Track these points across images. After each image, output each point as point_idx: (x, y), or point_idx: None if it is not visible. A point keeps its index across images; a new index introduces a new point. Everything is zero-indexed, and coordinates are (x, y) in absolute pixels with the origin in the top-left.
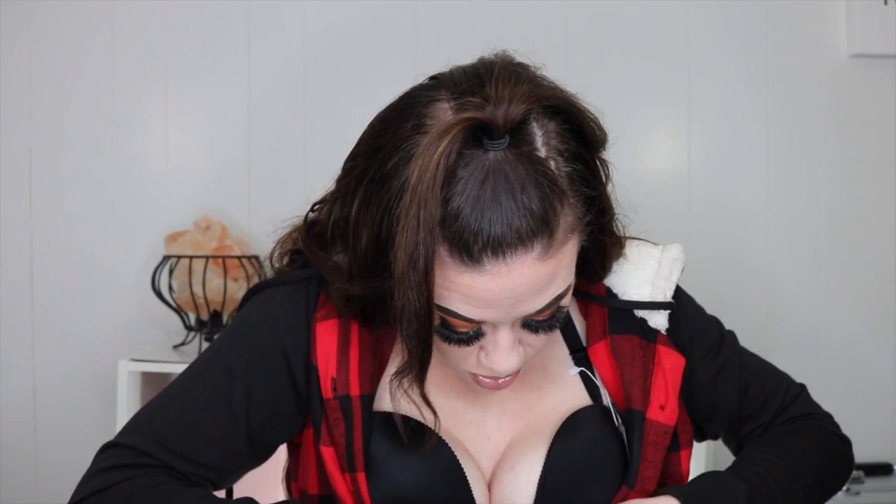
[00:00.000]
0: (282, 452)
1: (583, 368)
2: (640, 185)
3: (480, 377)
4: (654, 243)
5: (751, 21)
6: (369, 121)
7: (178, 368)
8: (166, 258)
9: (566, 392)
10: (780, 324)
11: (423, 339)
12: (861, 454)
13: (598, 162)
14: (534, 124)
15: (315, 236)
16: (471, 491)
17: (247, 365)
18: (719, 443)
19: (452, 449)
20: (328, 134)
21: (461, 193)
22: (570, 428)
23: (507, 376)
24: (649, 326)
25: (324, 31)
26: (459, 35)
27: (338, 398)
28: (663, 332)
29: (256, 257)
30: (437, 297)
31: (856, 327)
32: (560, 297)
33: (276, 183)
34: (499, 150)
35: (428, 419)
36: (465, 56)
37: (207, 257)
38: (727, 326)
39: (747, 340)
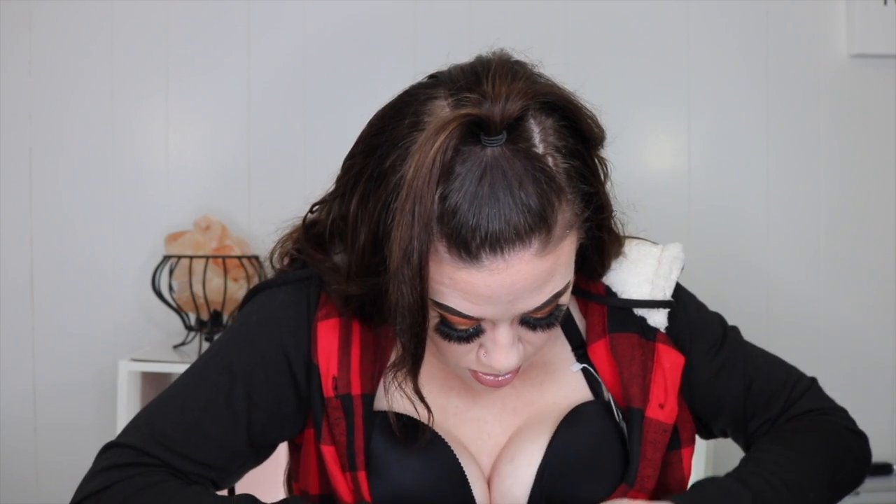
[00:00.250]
0: (282, 454)
1: (585, 365)
2: (640, 184)
3: (481, 374)
4: (654, 242)
5: (751, 21)
6: (368, 120)
7: (179, 368)
8: (166, 258)
9: (568, 388)
10: (780, 323)
11: (416, 334)
12: None
13: (595, 159)
14: (531, 121)
15: (314, 237)
16: (470, 489)
17: (248, 365)
18: (720, 441)
19: (452, 447)
20: (328, 134)
21: (459, 190)
22: (573, 420)
23: (508, 374)
24: (648, 325)
25: (324, 30)
26: (459, 35)
27: (339, 397)
28: (663, 330)
29: (256, 257)
30: (436, 294)
31: (855, 327)
32: (559, 294)
33: (276, 183)
34: (496, 146)
35: (422, 414)
36: (465, 55)
37: (207, 257)
38: None
39: (747, 340)
